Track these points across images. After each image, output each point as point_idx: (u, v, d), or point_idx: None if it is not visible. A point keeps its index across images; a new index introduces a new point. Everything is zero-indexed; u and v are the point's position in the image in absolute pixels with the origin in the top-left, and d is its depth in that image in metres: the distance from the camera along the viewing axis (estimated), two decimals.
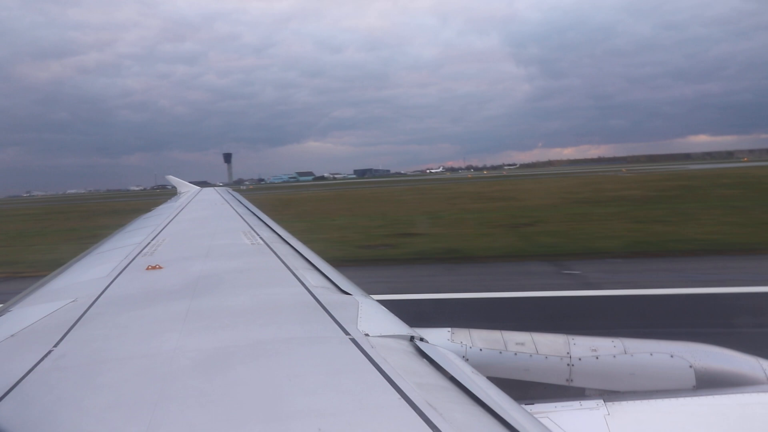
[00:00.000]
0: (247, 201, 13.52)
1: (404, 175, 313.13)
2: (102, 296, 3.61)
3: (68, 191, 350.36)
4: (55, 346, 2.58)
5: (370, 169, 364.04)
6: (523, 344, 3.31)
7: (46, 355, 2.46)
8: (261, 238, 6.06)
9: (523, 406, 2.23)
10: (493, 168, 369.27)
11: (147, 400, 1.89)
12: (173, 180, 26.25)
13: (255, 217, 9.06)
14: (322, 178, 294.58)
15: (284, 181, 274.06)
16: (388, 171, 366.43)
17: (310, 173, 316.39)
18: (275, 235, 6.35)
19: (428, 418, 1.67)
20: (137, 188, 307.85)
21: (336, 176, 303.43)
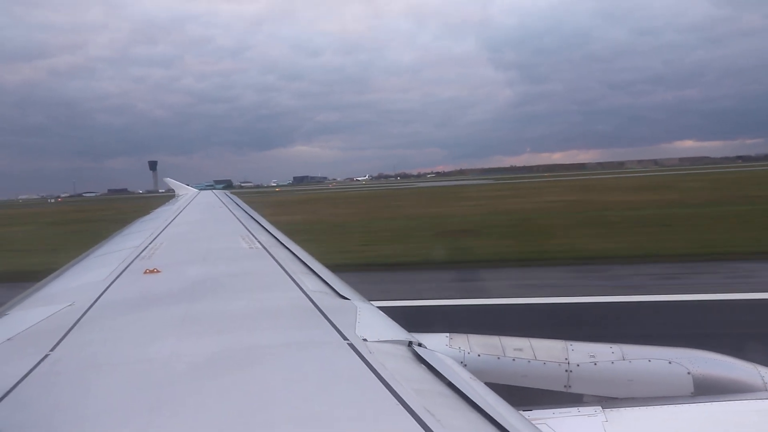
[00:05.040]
0: (245, 204, 13.59)
1: (329, 181, 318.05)
2: (99, 300, 3.61)
3: (20, 197, 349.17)
4: (51, 350, 2.57)
5: (307, 176, 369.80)
6: (521, 350, 3.30)
7: (42, 360, 2.44)
8: (259, 242, 6.10)
9: (521, 412, 2.23)
10: (417, 176, 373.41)
11: (143, 405, 1.90)
12: (171, 183, 26.59)
13: (253, 221, 9.06)
14: (230, 186, 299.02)
15: (201, 188, 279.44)
16: (326, 178, 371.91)
17: (228, 181, 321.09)
18: (273, 240, 6.39)
19: (426, 425, 1.67)
20: (65, 195, 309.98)
21: (243, 185, 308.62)
